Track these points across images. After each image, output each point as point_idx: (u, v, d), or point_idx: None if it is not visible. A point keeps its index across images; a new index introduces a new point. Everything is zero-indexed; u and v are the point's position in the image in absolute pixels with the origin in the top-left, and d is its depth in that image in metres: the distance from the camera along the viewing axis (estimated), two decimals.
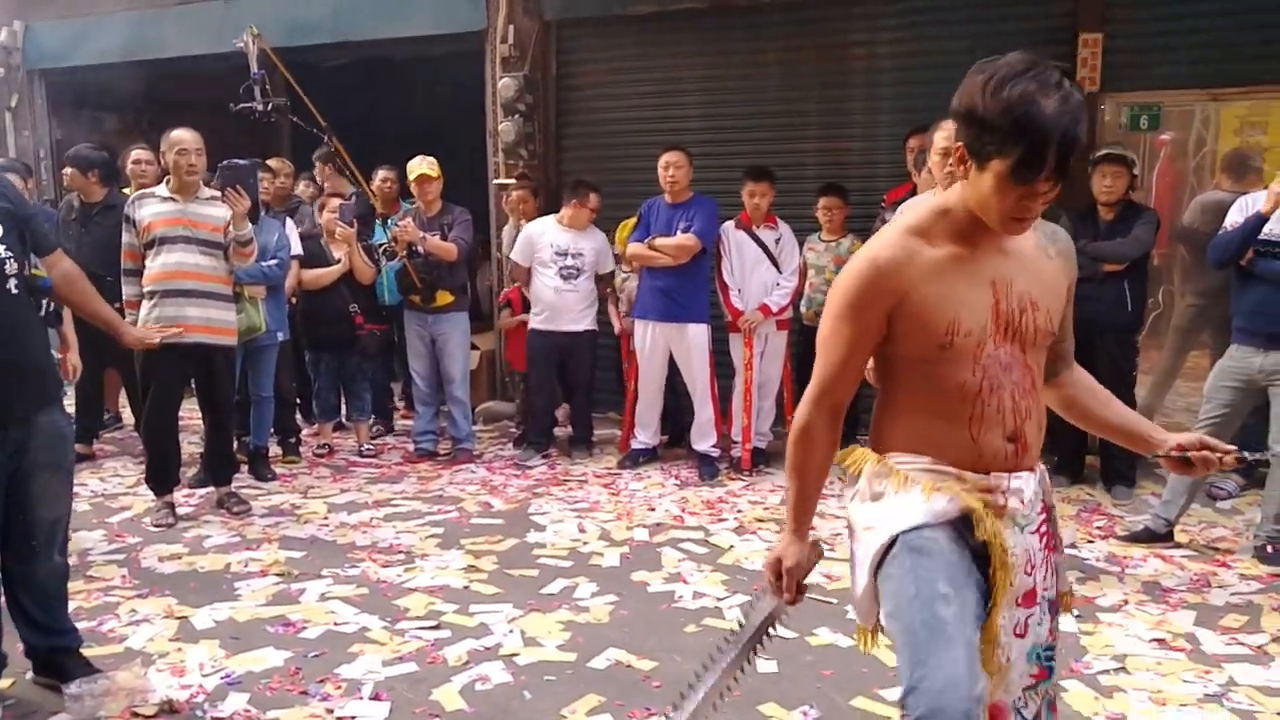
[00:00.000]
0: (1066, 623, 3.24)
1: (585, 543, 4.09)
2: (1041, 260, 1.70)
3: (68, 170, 5.29)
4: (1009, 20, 5.31)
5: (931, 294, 1.62)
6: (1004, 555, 1.63)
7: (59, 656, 2.82)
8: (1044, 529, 1.73)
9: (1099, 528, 4.24)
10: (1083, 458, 4.93)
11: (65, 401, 2.91)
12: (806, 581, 1.81)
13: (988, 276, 1.64)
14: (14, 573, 2.73)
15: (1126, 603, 3.43)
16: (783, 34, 5.80)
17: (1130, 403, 4.63)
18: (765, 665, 2.95)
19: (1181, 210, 5.04)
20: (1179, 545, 3.98)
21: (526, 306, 5.48)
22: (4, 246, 2.59)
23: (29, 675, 2.86)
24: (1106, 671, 2.92)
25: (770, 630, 1.87)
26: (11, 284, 2.60)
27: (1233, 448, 1.72)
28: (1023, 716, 1.73)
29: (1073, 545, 3.99)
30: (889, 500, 1.69)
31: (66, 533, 2.86)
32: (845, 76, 5.72)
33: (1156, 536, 3.98)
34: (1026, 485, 1.68)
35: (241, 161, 4.43)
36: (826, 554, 3.96)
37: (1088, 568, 3.77)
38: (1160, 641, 3.12)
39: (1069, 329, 1.82)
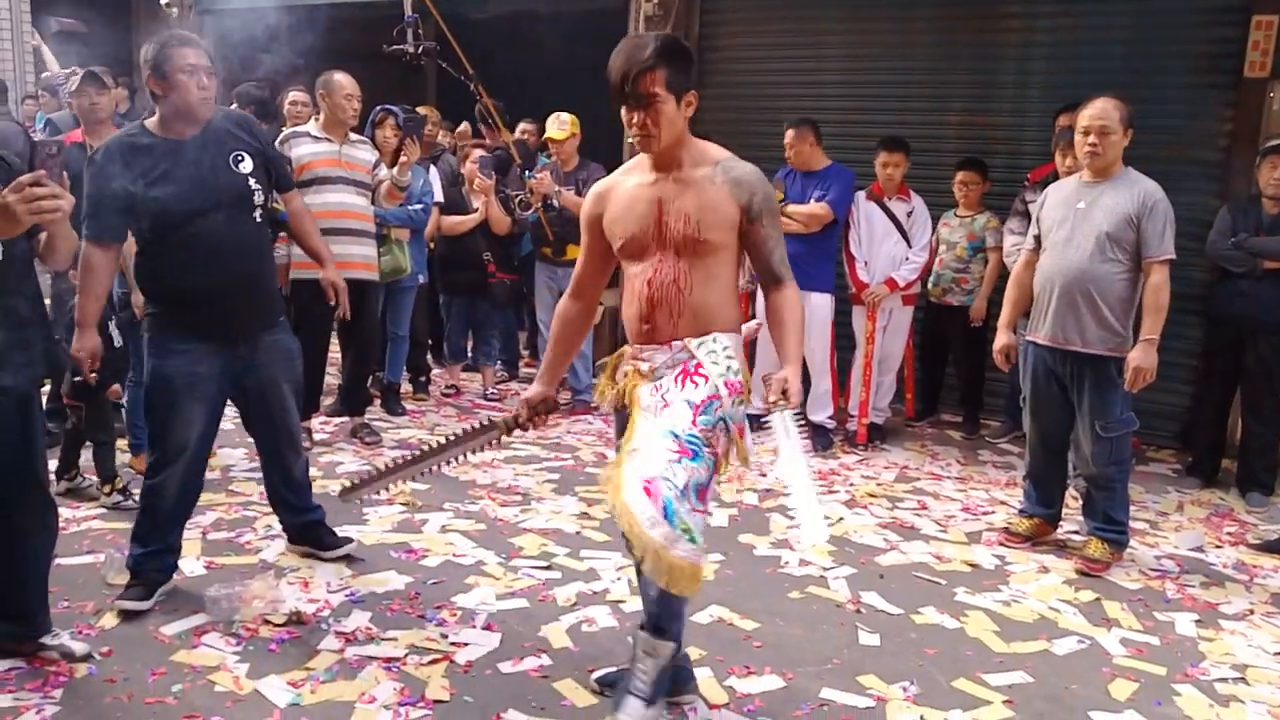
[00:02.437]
0: (1184, 626, 3.18)
1: None
2: (706, 186, 2.21)
3: (232, 106, 5.64)
4: None
5: (614, 212, 2.30)
6: (633, 394, 2.28)
7: (311, 529, 3.35)
8: (679, 376, 2.23)
9: (1229, 533, 4.05)
10: (1218, 461, 4.69)
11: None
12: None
13: (655, 198, 2.24)
14: (272, 473, 3.27)
15: (1252, 612, 3.30)
16: (935, 2, 5.61)
17: (1276, 414, 4.38)
18: (868, 638, 2.99)
19: None
20: None
21: None
22: (253, 180, 2.94)
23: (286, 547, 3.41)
24: (1225, 680, 2.83)
25: (493, 440, 2.57)
26: (257, 214, 2.97)
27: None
28: (673, 484, 2.07)
29: (1199, 549, 3.85)
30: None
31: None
32: (998, 49, 5.48)
33: None
34: (654, 357, 2.27)
35: (416, 113, 4.83)
36: (935, 534, 3.90)
37: (1213, 573, 3.63)
38: None
39: (762, 250, 2.28)
